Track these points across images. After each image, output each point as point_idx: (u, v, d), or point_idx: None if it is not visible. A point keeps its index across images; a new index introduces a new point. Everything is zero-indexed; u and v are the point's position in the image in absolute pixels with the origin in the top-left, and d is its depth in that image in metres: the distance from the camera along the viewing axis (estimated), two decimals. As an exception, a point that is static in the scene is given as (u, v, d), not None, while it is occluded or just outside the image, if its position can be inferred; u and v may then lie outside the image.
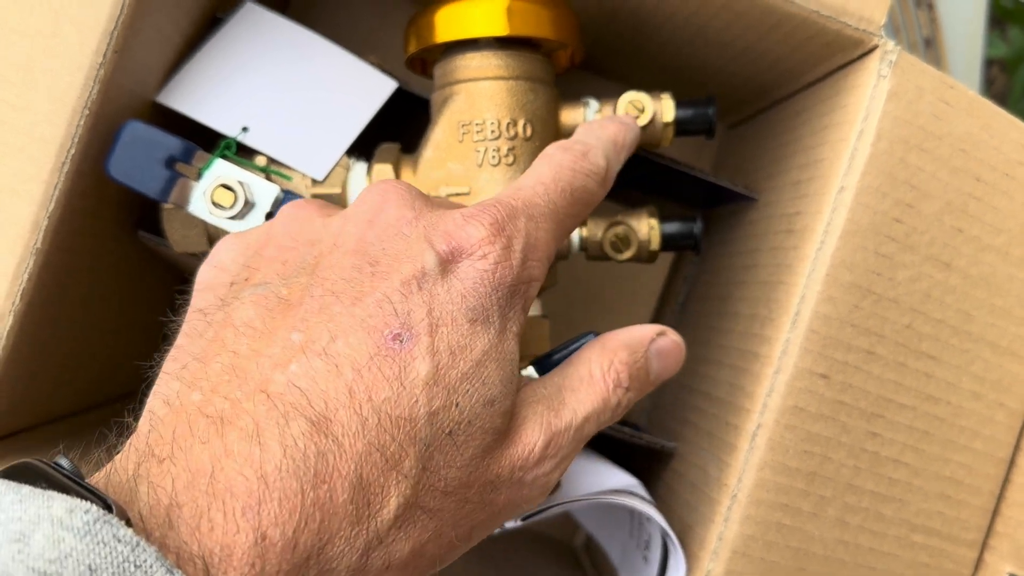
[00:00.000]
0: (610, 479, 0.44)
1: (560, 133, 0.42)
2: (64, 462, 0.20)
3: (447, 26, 0.41)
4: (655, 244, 0.42)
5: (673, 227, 0.42)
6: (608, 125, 0.36)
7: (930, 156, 0.40)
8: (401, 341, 0.24)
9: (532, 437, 0.27)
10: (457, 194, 0.40)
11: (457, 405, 0.24)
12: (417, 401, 0.24)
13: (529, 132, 0.40)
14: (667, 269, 0.58)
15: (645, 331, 0.33)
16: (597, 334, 0.38)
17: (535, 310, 0.41)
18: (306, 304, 0.25)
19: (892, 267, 0.40)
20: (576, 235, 0.42)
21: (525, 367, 0.38)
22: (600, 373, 0.30)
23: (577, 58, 0.45)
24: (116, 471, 0.22)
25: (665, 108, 0.42)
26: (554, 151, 0.32)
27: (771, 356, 0.39)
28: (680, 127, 0.42)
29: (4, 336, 0.37)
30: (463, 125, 0.40)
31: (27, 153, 0.38)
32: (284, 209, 0.31)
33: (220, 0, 0.47)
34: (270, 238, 0.29)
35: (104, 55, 0.38)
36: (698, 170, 0.46)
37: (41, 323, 0.40)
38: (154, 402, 0.25)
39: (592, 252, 0.43)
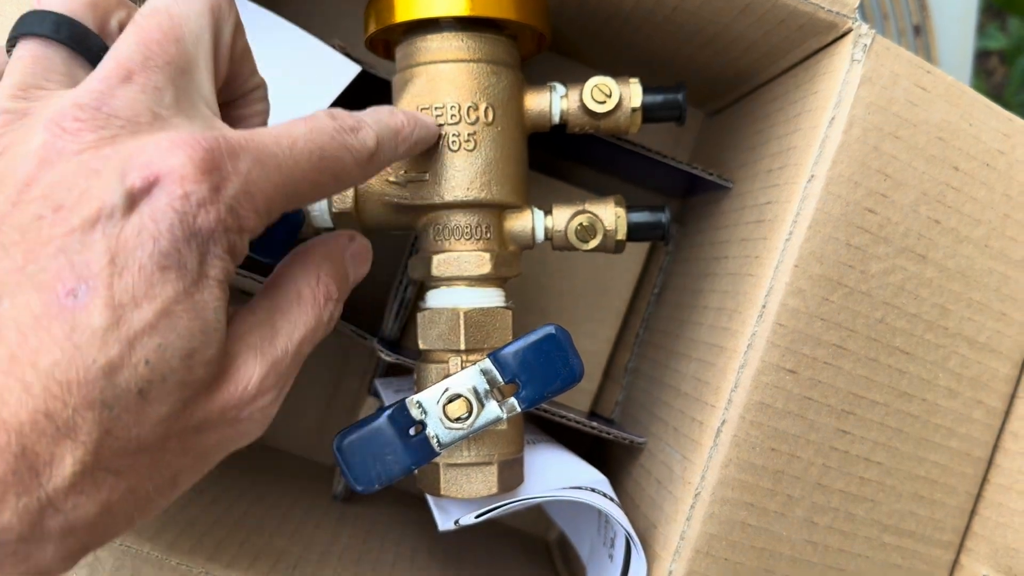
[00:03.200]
0: (577, 475, 0.43)
1: (524, 118, 0.41)
2: None
3: (407, 5, 0.39)
4: (621, 234, 0.41)
5: (640, 216, 0.41)
6: (397, 114, 0.33)
7: (905, 144, 0.38)
8: (76, 296, 0.22)
9: (247, 373, 0.26)
10: (417, 180, 0.39)
11: (147, 362, 0.22)
12: (93, 361, 0.22)
13: (491, 117, 0.39)
14: (643, 259, 0.57)
15: (338, 239, 0.32)
16: (557, 327, 0.37)
17: (497, 300, 0.40)
18: None
19: (864, 259, 0.38)
20: (541, 224, 0.41)
21: (483, 360, 0.37)
22: (310, 291, 0.29)
23: (544, 42, 0.44)
24: None
25: (632, 93, 0.40)
26: (321, 115, 0.29)
27: (736, 350, 0.38)
28: (648, 113, 0.41)
29: None
30: (422, 109, 0.39)
31: None
32: None
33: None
34: None
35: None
36: (670, 158, 0.44)
37: None
38: None
39: (557, 242, 0.41)
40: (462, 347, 0.38)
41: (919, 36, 0.63)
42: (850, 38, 0.38)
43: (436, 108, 0.39)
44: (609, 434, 0.44)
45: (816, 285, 0.38)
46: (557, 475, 0.42)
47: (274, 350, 0.27)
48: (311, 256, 0.30)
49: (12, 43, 0.29)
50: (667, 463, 0.41)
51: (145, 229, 0.23)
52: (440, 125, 0.39)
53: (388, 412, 0.37)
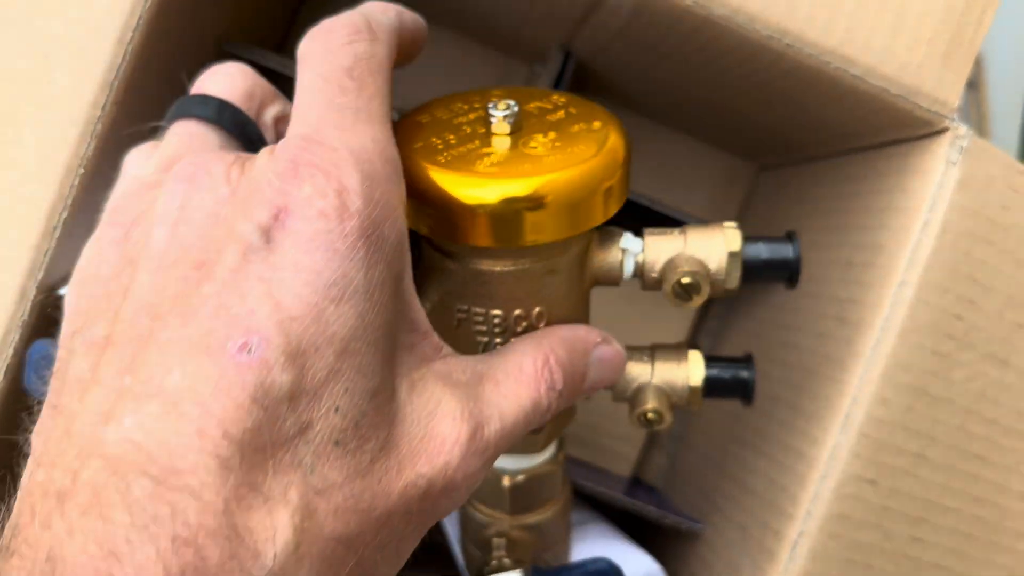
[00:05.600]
0: (631, 563, 0.41)
1: (587, 282, 0.31)
2: None
3: (463, 232, 0.27)
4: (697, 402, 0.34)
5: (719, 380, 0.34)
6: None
7: (995, 248, 0.37)
8: (250, 351, 0.20)
9: (454, 428, 0.23)
10: None
11: (337, 409, 0.20)
12: (286, 421, 0.20)
13: (544, 320, 0.30)
14: (692, 319, 0.55)
15: (589, 333, 0.29)
16: (610, 566, 0.34)
17: (547, 455, 0.36)
18: (131, 338, 0.21)
19: (949, 366, 0.37)
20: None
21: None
22: (533, 368, 0.26)
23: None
24: None
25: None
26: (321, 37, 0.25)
27: (818, 459, 0.37)
28: (751, 275, 0.32)
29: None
30: (460, 310, 0.30)
31: (14, 213, 0.34)
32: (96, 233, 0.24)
33: (224, 30, 0.43)
34: (94, 269, 0.23)
35: (103, 108, 0.34)
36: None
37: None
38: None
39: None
40: (508, 511, 0.36)
41: (972, 90, 0.62)
42: (947, 138, 0.36)
43: (476, 313, 0.29)
44: (667, 519, 0.43)
45: (901, 394, 0.36)
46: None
47: (479, 413, 0.24)
48: (548, 336, 0.28)
49: (168, 124, 0.27)
50: (735, 565, 0.40)
51: (299, 263, 0.21)
52: (482, 332, 0.30)
53: None
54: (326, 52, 0.24)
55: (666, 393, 0.33)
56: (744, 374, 0.34)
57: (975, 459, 0.38)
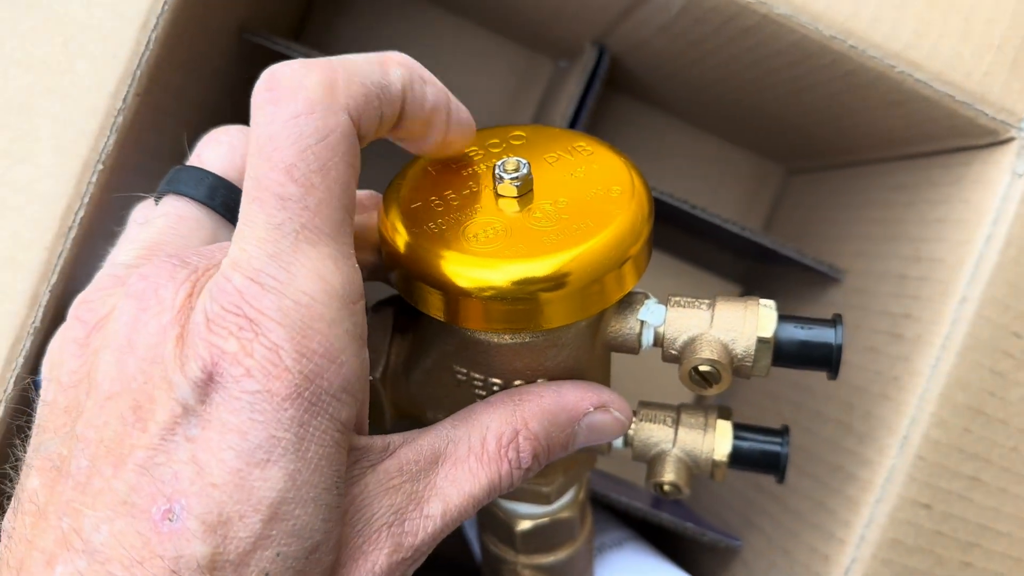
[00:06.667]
0: (667, 585, 0.40)
1: (600, 356, 0.29)
2: None
3: (470, 317, 0.25)
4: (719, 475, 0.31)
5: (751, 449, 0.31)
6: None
7: (1056, 264, 0.35)
8: (171, 520, 0.19)
9: (372, 558, 0.22)
10: None
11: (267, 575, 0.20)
12: None
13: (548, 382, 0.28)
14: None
15: (580, 400, 0.26)
16: None
17: (564, 501, 0.33)
18: (73, 474, 0.21)
19: (1005, 386, 0.36)
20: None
21: None
22: (497, 446, 0.24)
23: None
24: None
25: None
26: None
27: (873, 482, 0.35)
28: (786, 360, 0.28)
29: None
30: (459, 371, 0.28)
31: (27, 212, 0.31)
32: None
33: (245, 18, 0.40)
34: (56, 370, 0.23)
35: (124, 99, 0.32)
36: (790, 247, 0.41)
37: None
38: None
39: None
40: (518, 551, 0.34)
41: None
42: (1012, 148, 0.35)
43: (476, 378, 0.27)
44: (705, 536, 0.41)
45: (958, 415, 0.35)
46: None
47: (414, 523, 0.23)
48: (527, 404, 0.25)
49: (160, 196, 0.26)
50: (778, 588, 0.38)
51: (226, 424, 0.20)
52: (482, 396, 0.27)
53: None
54: (268, 139, 0.20)
55: (687, 465, 0.31)
56: (776, 449, 0.31)
57: (1028, 481, 0.37)
